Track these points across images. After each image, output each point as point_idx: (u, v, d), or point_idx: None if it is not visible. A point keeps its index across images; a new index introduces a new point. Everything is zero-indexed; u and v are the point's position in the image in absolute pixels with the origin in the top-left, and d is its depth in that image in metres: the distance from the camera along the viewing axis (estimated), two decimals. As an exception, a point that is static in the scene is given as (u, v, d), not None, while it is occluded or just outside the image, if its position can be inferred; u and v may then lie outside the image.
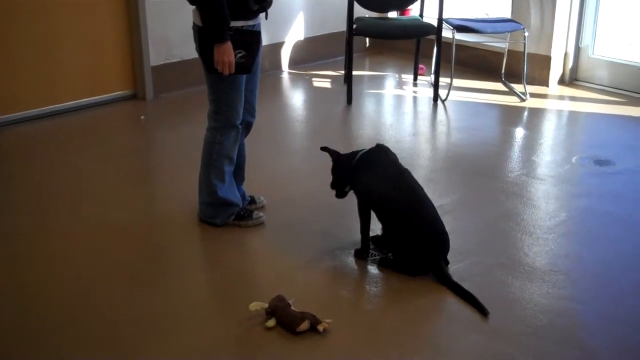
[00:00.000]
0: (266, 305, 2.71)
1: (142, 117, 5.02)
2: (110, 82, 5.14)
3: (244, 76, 3.25)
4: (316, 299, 2.89)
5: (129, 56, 5.16)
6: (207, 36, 3.09)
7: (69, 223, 3.51)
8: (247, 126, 3.49)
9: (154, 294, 2.93)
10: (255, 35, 3.26)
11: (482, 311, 2.79)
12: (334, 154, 3.25)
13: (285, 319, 2.66)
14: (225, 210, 3.42)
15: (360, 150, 3.23)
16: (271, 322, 2.67)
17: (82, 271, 3.10)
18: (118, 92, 5.18)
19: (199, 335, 2.67)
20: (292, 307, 2.70)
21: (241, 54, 3.14)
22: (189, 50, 5.34)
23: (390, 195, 3.07)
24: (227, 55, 3.07)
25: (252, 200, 3.63)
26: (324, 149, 3.27)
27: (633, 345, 2.68)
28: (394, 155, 3.23)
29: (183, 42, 5.30)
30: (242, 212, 3.46)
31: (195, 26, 3.18)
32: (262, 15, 3.27)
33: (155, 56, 5.20)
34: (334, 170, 3.25)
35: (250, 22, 3.21)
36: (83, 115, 4.93)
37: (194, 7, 3.13)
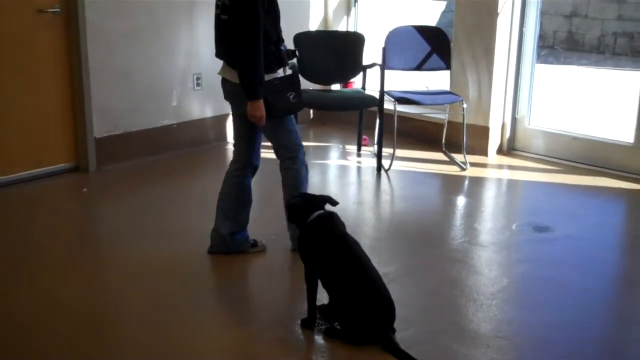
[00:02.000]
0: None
1: (85, 189, 4.97)
2: (54, 154, 5.09)
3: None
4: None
5: (72, 128, 5.13)
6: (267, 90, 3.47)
7: (15, 301, 3.42)
8: (254, 170, 3.87)
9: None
10: (295, 75, 3.77)
11: None
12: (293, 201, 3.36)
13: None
14: None
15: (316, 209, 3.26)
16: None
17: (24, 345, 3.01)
18: (61, 164, 5.13)
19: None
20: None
21: (292, 95, 3.60)
22: (134, 122, 5.41)
23: (337, 265, 3.08)
24: (261, 110, 3.47)
25: (255, 244, 3.93)
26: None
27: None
28: (342, 224, 3.27)
29: (128, 114, 5.33)
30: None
31: (237, 85, 3.49)
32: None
33: (99, 128, 5.19)
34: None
35: (288, 69, 3.72)
36: (25, 188, 4.85)
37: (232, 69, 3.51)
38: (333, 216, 3.25)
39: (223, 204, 3.86)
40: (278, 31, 3.57)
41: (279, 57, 3.57)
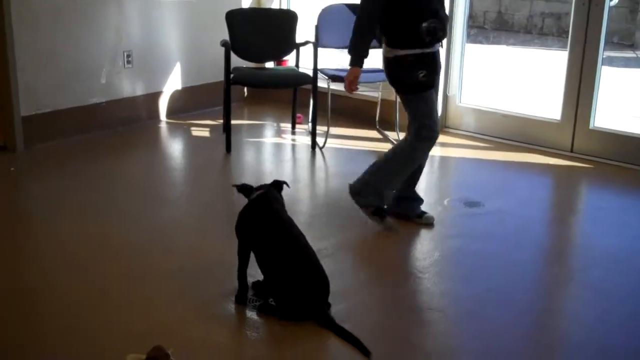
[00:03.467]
0: (144, 357, 2.63)
1: (12, 168, 4.83)
2: (-22, 134, 4.93)
3: (432, 91, 3.85)
4: (196, 347, 2.84)
5: (-2, 107, 4.98)
6: (397, 65, 3.77)
7: None
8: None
9: None
10: (430, 56, 3.80)
11: (364, 352, 2.83)
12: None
13: (165, 370, 2.59)
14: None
15: (260, 189, 3.26)
16: (150, 374, 2.60)
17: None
18: (-13, 144, 4.98)
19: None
20: (172, 358, 2.63)
21: (423, 73, 3.75)
22: (61, 100, 5.28)
23: (270, 241, 3.09)
24: (349, 76, 3.88)
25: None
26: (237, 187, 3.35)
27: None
28: (281, 202, 3.27)
29: (55, 92, 5.19)
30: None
31: (385, 59, 3.85)
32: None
33: (26, 107, 5.04)
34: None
35: (427, 50, 3.75)
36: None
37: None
38: (268, 194, 3.25)
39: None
40: (423, 7, 3.69)
41: (417, 37, 3.67)
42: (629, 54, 10.10)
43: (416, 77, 3.75)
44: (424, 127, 3.84)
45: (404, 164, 3.96)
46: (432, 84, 3.85)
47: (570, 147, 5.35)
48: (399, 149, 4.02)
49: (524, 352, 2.96)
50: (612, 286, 3.45)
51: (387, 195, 4.00)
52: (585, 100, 5.22)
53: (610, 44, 10.20)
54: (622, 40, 10.86)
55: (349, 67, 3.87)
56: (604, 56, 5.21)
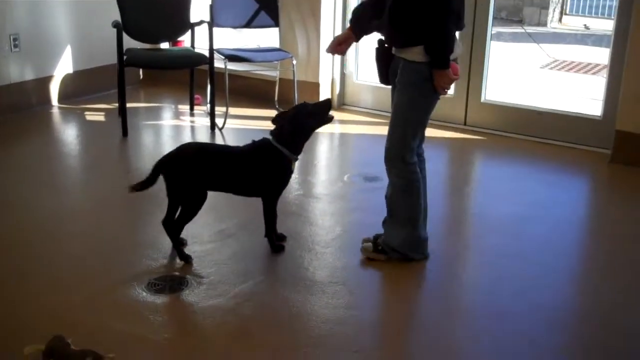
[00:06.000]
0: (43, 347, 2.56)
1: None
2: None
3: None
4: (96, 334, 2.79)
5: None
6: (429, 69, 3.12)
7: None
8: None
9: None
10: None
11: None
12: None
13: None
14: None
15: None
16: (49, 365, 2.54)
17: None
18: None
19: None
20: (72, 347, 2.58)
21: None
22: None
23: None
24: (455, 75, 3.16)
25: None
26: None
27: (402, 344, 2.90)
28: None
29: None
30: None
31: (414, 64, 3.15)
32: None
33: None
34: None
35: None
36: None
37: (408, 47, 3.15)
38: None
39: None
40: None
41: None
42: (518, 29, 10.50)
43: None
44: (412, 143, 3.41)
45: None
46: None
47: (463, 121, 5.53)
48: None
49: (423, 319, 3.07)
50: (505, 251, 3.61)
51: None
52: (476, 74, 5.39)
53: (498, 20, 10.61)
54: (511, 16, 11.27)
55: (442, 71, 3.12)
56: (492, 32, 5.39)
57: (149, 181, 3.33)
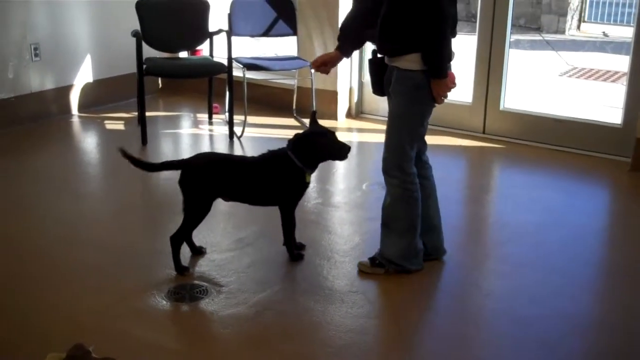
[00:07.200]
0: (64, 355, 2.57)
1: None
2: None
3: None
4: (117, 342, 2.80)
5: None
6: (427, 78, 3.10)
7: None
8: None
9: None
10: None
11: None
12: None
13: (87, 368, 2.54)
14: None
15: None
16: (71, 373, 2.55)
17: None
18: None
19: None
20: (93, 355, 2.59)
21: None
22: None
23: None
24: (452, 83, 3.17)
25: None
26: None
27: (424, 352, 2.88)
28: None
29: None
30: None
31: (409, 72, 3.13)
32: None
33: None
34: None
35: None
36: None
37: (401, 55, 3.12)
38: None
39: None
40: None
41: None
42: (536, 36, 10.46)
43: None
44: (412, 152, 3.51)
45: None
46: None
47: (482, 129, 5.51)
48: None
49: (443, 327, 3.05)
50: (524, 259, 3.59)
51: None
52: (495, 82, 5.38)
53: (517, 27, 10.58)
54: (529, 23, 11.23)
55: (440, 79, 3.12)
56: (511, 39, 5.38)
57: (146, 165, 3.41)
